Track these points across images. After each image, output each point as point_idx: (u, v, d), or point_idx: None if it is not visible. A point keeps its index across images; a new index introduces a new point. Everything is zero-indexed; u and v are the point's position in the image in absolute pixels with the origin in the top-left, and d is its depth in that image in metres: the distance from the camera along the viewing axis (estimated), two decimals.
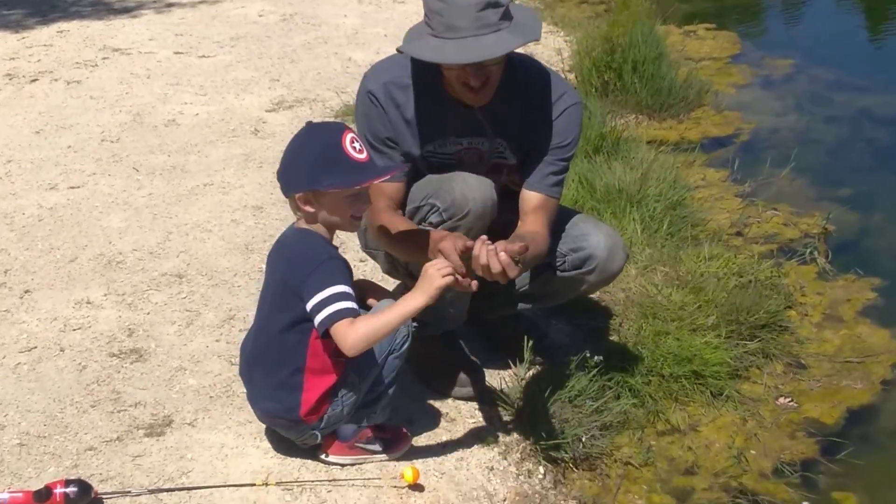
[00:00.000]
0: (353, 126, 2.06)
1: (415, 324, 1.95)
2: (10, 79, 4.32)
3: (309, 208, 1.79)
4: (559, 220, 2.14)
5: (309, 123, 1.94)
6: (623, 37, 4.33)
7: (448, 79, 1.91)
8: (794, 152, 3.78)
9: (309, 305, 1.76)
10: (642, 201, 3.23)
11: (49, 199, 3.26)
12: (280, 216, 3.02)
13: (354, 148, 1.80)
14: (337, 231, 1.88)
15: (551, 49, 4.64)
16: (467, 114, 1.99)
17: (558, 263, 2.17)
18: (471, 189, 1.93)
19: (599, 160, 3.40)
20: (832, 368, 2.72)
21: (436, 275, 1.74)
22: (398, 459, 1.99)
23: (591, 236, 2.11)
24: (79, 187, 3.36)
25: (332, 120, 1.93)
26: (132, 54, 4.66)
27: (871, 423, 2.57)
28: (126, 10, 5.34)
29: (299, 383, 1.85)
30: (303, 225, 1.84)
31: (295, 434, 1.94)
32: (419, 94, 2.00)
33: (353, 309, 1.76)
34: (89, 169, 3.49)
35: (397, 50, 1.97)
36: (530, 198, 2.05)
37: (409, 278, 2.11)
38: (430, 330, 2.18)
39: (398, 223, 1.98)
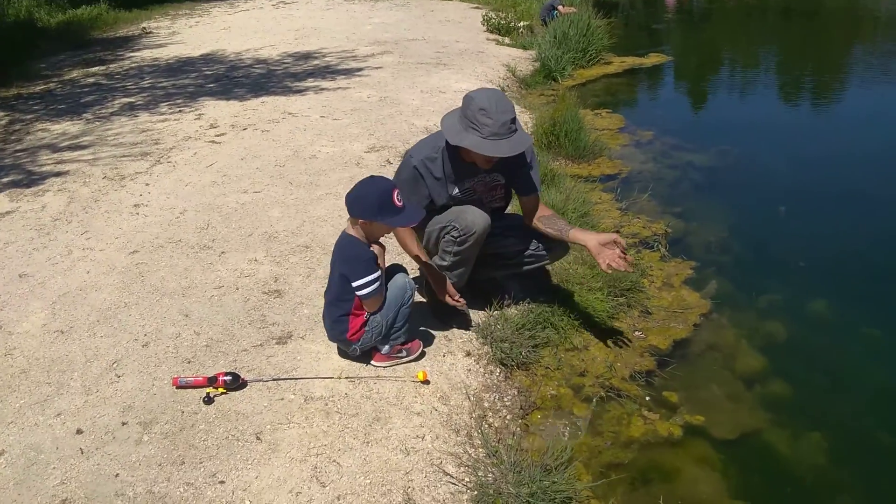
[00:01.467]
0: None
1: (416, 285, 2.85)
2: (232, 127, 5.93)
3: (362, 227, 2.68)
4: (527, 230, 3.12)
5: (371, 176, 2.73)
6: (560, 116, 5.69)
7: (473, 156, 2.81)
8: (650, 185, 4.98)
9: (354, 285, 2.66)
10: (565, 212, 4.14)
11: (242, 198, 4.43)
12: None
13: (398, 199, 2.61)
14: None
15: (522, 122, 5.94)
16: (475, 172, 2.95)
17: (527, 253, 3.15)
18: (476, 217, 2.88)
19: (543, 187, 4.31)
20: (666, 315, 3.53)
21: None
22: (415, 361, 2.87)
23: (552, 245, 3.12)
24: (259, 192, 4.54)
25: (385, 175, 2.90)
26: (298, 117, 6.26)
27: (686, 349, 3.29)
28: (298, 91, 7.27)
29: (346, 322, 2.76)
30: (352, 233, 2.70)
31: (345, 346, 2.84)
32: (446, 161, 2.88)
33: (377, 289, 2.67)
34: (266, 181, 4.73)
35: (448, 141, 2.77)
36: (530, 198, 3.07)
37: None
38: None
39: (415, 247, 2.99)
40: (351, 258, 2.67)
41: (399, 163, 4.78)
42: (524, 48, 9.89)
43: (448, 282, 2.98)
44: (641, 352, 3.30)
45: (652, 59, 10.02)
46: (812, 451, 2.74)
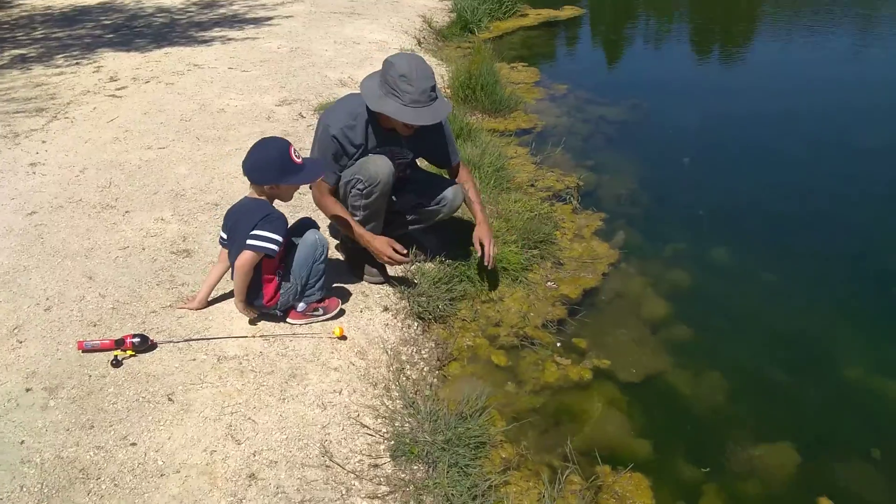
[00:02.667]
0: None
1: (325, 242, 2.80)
2: (134, 80, 5.63)
3: (269, 192, 2.64)
4: (436, 183, 3.17)
5: (262, 139, 2.66)
6: (476, 69, 5.67)
7: (393, 123, 2.80)
8: (563, 139, 5.09)
9: (252, 233, 2.55)
10: (481, 167, 4.23)
11: (146, 155, 4.24)
12: None
13: (296, 156, 2.61)
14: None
15: (438, 76, 5.81)
16: (394, 138, 2.95)
17: (427, 208, 3.18)
18: (379, 166, 2.87)
19: (460, 142, 4.43)
20: (577, 265, 3.65)
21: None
22: (333, 319, 2.86)
23: (447, 191, 3.17)
24: (164, 148, 4.36)
25: (279, 135, 2.82)
26: (204, 69, 5.96)
27: (595, 297, 3.44)
28: (204, 42, 6.92)
29: (259, 290, 2.71)
30: (255, 195, 2.67)
31: (265, 312, 2.81)
32: (367, 128, 2.87)
33: (271, 252, 2.57)
34: (171, 137, 4.54)
35: (369, 107, 2.75)
36: (451, 169, 3.19)
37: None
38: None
39: (334, 206, 2.95)
40: (261, 217, 2.61)
41: (313, 119, 4.71)
42: None
43: (382, 238, 2.96)
44: (553, 301, 3.41)
45: (567, 12, 10.10)
46: (711, 389, 2.91)
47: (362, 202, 2.94)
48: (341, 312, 2.94)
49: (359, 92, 2.86)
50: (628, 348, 3.13)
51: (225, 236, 2.76)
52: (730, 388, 2.91)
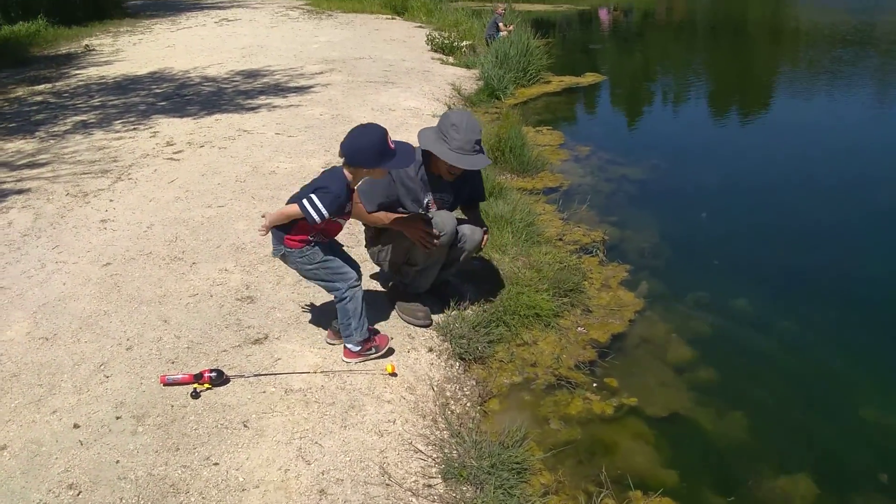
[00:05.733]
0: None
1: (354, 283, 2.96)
2: (189, 145, 6.12)
3: (355, 173, 2.79)
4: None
5: (361, 125, 2.84)
6: (505, 133, 6.09)
7: (440, 168, 3.15)
8: (588, 197, 5.43)
9: (309, 195, 2.72)
10: (512, 222, 4.52)
11: (207, 213, 4.62)
12: None
13: (391, 143, 2.74)
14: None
15: None
16: (440, 184, 3.27)
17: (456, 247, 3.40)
18: (446, 218, 3.20)
19: (491, 200, 4.75)
20: (605, 312, 3.87)
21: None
22: (384, 356, 3.10)
23: (463, 228, 3.38)
24: (223, 206, 4.73)
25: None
26: (254, 134, 6.48)
27: (623, 341, 3.64)
28: (251, 109, 7.59)
29: (292, 226, 2.86)
30: (346, 172, 2.80)
31: (274, 245, 2.91)
32: (420, 170, 3.18)
33: (314, 217, 2.69)
34: (228, 196, 4.94)
35: (421, 145, 3.09)
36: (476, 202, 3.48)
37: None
38: (410, 289, 3.45)
39: (378, 214, 3.20)
40: (328, 187, 2.79)
41: None
42: (468, 67, 10.34)
43: (420, 219, 3.19)
44: (584, 345, 3.64)
45: (588, 79, 10.62)
46: (734, 426, 3.12)
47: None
48: (391, 351, 3.19)
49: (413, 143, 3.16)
50: (655, 388, 3.35)
51: None
52: (752, 425, 3.11)
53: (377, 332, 3.24)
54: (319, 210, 2.76)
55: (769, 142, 7.60)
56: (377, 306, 3.55)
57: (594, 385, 3.35)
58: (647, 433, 3.06)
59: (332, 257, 2.97)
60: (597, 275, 4.35)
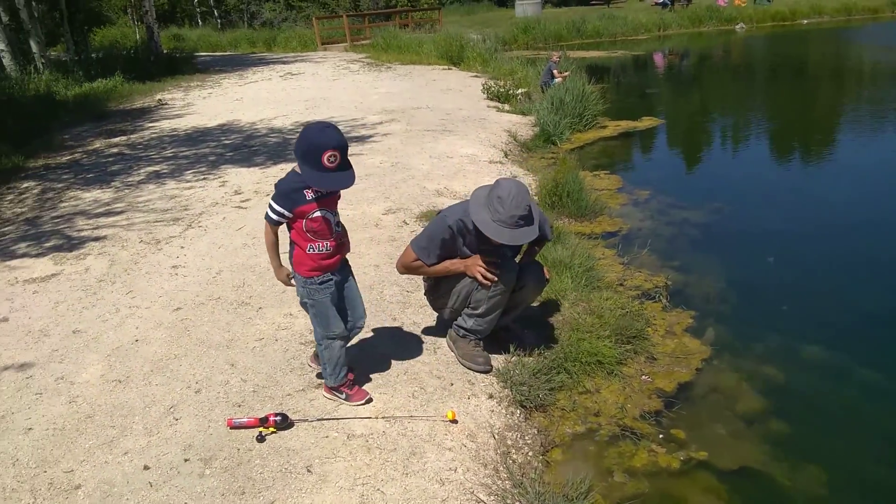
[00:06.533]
0: None
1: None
2: (256, 193, 6.51)
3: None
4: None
5: (323, 123, 2.69)
6: (562, 178, 6.08)
7: None
8: (648, 241, 5.34)
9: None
10: (571, 266, 4.50)
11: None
12: (376, 274, 4.34)
13: (329, 161, 2.55)
14: None
15: (527, 183, 6.43)
16: (493, 249, 3.29)
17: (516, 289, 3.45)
18: (506, 263, 3.27)
19: (549, 245, 4.59)
20: (670, 360, 3.76)
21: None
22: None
23: (528, 275, 3.46)
24: (287, 252, 4.63)
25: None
26: None
27: (690, 391, 3.54)
28: None
29: (294, 249, 2.91)
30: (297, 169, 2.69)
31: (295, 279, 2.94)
32: (475, 226, 3.18)
33: (270, 218, 2.74)
34: None
35: (471, 213, 3.12)
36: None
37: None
38: (471, 335, 3.46)
39: (431, 266, 3.29)
40: (278, 187, 2.77)
41: (416, 225, 5.16)
42: (523, 114, 10.45)
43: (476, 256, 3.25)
44: (649, 394, 3.54)
45: (645, 123, 10.58)
46: (810, 482, 2.97)
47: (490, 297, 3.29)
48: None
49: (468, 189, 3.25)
50: (725, 440, 3.22)
51: None
52: (829, 480, 2.96)
53: (357, 385, 3.20)
54: (272, 207, 2.76)
55: (834, 183, 7.38)
56: (437, 351, 3.56)
57: (660, 436, 3.25)
58: (717, 487, 2.94)
59: (326, 302, 2.94)
60: (660, 321, 4.26)
